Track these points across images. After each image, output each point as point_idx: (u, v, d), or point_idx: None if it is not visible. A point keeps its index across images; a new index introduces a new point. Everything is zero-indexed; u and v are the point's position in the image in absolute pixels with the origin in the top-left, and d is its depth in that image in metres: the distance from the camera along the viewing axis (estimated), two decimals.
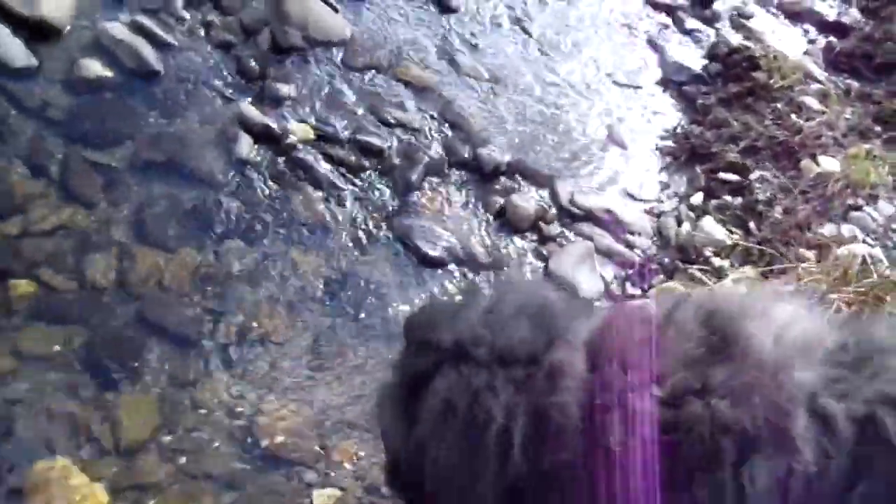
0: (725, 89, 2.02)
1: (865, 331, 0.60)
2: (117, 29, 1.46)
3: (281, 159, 1.45)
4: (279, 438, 1.05)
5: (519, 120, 1.64)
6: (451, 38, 1.67)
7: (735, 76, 2.07)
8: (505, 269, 1.41)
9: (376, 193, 1.47)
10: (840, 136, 1.92)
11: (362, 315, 1.26)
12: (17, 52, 1.32)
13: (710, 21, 2.33)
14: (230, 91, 1.49)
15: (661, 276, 1.49)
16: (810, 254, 1.52)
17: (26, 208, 1.17)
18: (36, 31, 1.35)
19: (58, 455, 0.95)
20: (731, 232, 1.52)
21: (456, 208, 1.50)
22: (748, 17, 2.39)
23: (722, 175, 1.65)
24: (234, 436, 1.04)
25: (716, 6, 2.36)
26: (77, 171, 1.24)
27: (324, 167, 1.45)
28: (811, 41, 2.41)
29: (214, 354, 1.12)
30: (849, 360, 0.54)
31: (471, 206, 1.54)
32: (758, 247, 1.50)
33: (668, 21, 2.28)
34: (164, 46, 1.50)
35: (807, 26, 2.48)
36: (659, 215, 1.58)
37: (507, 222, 1.52)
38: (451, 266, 1.42)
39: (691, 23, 2.29)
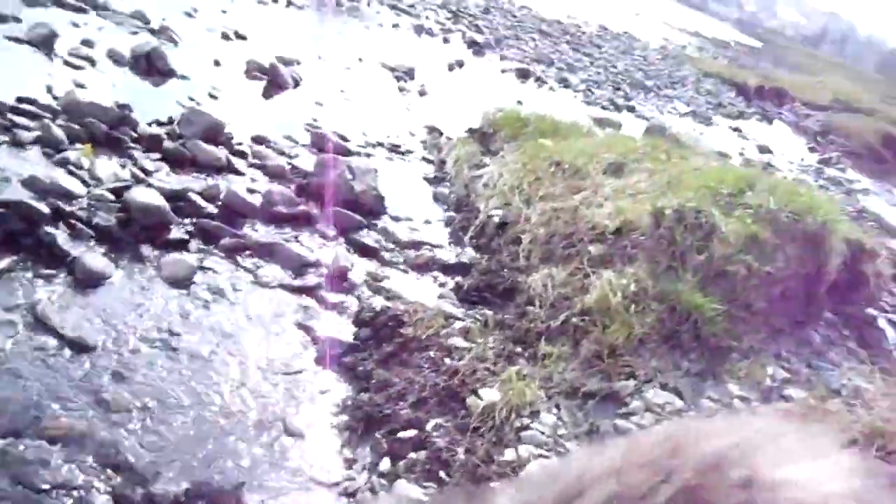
0: (380, 351, 3.50)
1: None
2: None
3: None
4: None
5: (188, 440, 2.61)
6: (94, 377, 2.60)
7: (385, 336, 3.60)
8: None
9: None
10: (492, 366, 3.55)
11: None
12: None
13: (350, 290, 3.95)
14: None
15: None
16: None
17: None
18: None
19: None
20: (425, 487, 2.75)
21: None
22: (382, 279, 4.14)
23: (401, 434, 2.93)
24: None
25: (351, 275, 4.04)
26: None
27: None
28: (442, 285, 4.30)
29: None
30: None
31: None
32: None
33: (311, 301, 3.79)
34: None
35: (435, 273, 4.40)
36: (354, 494, 2.69)
37: None
38: None
39: (333, 297, 3.85)
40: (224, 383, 2.94)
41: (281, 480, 2.71)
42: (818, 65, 58.46)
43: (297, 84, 6.69)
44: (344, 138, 5.71)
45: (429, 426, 3.02)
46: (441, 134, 6.60)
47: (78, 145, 4.30)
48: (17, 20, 5.70)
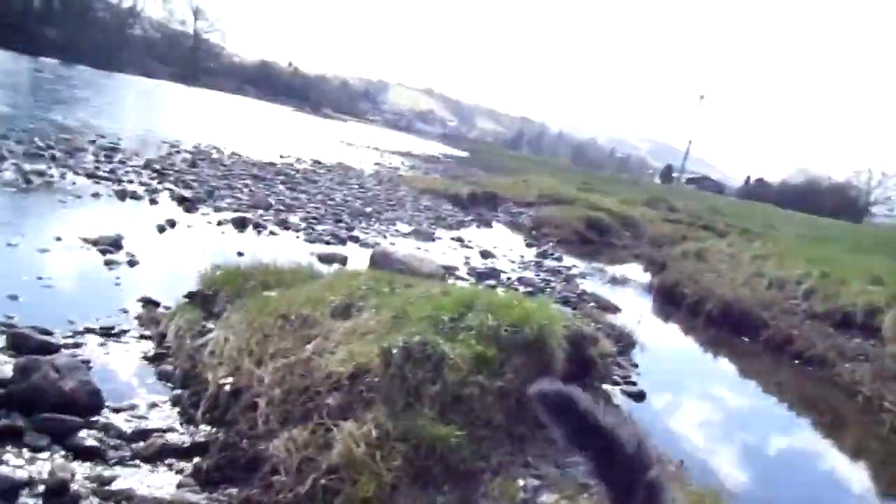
0: None
1: None
2: None
3: None
4: None
5: None
6: None
7: None
8: None
9: None
10: None
11: None
12: None
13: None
14: None
15: None
16: None
17: None
18: None
19: None
20: None
21: None
22: (110, 481, 3.78)
23: None
24: None
25: (73, 486, 3.64)
26: None
27: None
28: (179, 472, 4.01)
29: None
30: None
31: None
32: None
33: None
34: None
35: (170, 460, 4.11)
36: None
37: None
38: None
39: None
40: None
41: None
42: (521, 164, 64.72)
43: None
44: (47, 332, 5.25)
45: None
46: (157, 305, 6.32)
47: None
48: None
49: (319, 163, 24.80)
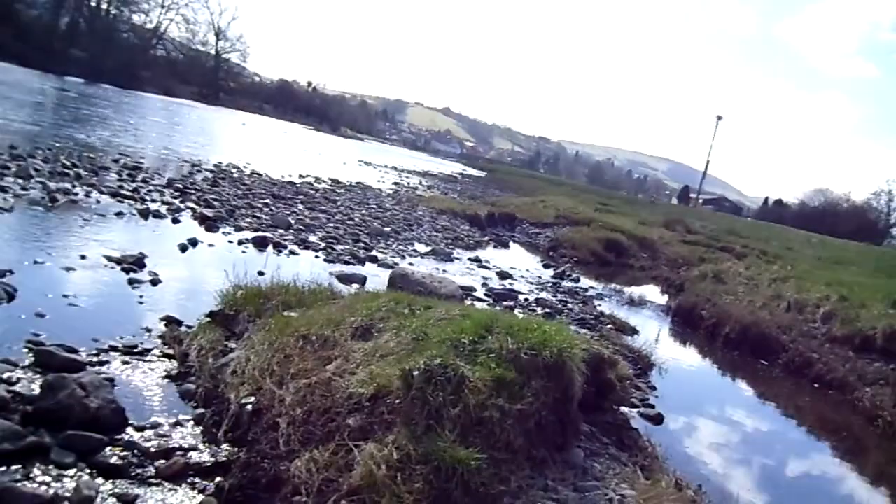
0: None
1: None
2: None
3: None
4: None
5: None
6: None
7: None
8: None
9: None
10: None
11: None
12: None
13: None
14: None
15: None
16: None
17: None
18: None
19: None
20: None
21: None
22: (133, 500, 3.83)
23: None
24: None
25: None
26: None
27: None
28: (201, 491, 4.04)
29: None
30: None
31: None
32: None
33: None
34: None
35: (192, 479, 4.14)
36: None
37: None
38: None
39: None
40: None
41: None
42: (538, 184, 64.83)
43: (11, 298, 6.18)
44: (72, 350, 5.32)
45: None
46: (180, 324, 6.37)
47: None
48: None
49: (338, 182, 24.96)
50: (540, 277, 15.03)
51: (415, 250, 14.34)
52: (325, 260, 11.08)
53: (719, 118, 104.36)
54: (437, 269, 12.59)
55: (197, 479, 4.15)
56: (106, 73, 62.40)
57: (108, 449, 4.27)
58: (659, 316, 14.11)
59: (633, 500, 4.27)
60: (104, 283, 7.35)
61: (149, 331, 6.19)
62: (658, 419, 7.16)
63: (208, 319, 6.22)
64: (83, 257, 7.93)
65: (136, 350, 5.70)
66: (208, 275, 8.30)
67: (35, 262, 7.41)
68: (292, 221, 13.66)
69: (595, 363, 5.38)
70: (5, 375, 4.78)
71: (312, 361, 4.86)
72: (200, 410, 4.87)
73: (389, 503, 3.39)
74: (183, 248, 9.67)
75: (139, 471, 4.15)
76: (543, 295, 12.68)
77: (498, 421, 4.00)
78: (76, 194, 11.45)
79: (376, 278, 10.18)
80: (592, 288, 15.25)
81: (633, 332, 11.17)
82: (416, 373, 4.05)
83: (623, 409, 6.46)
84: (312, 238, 12.60)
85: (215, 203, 13.67)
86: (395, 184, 33.88)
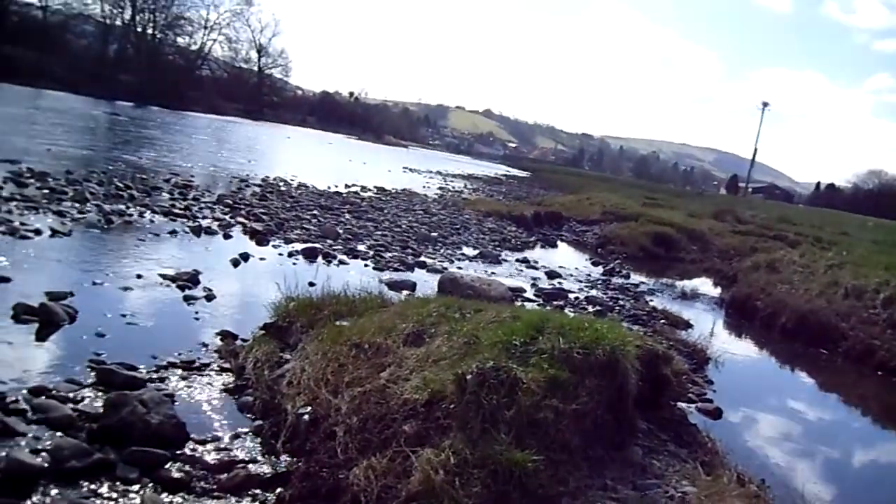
0: None
1: None
2: None
3: None
4: None
5: None
6: None
7: None
8: None
9: None
10: None
11: None
12: None
13: None
14: None
15: None
16: None
17: None
18: None
19: None
20: None
21: None
22: None
23: None
24: None
25: None
26: None
27: None
28: (262, 502, 4.10)
29: None
30: None
31: None
32: None
33: None
34: None
35: (254, 491, 4.19)
36: None
37: None
38: None
39: None
40: None
41: None
42: (583, 182, 64.36)
43: (73, 319, 6.35)
44: (133, 367, 5.44)
45: None
46: (235, 338, 6.47)
47: None
48: None
49: (384, 190, 25.10)
50: (589, 275, 14.91)
51: (463, 254, 14.34)
52: (374, 268, 11.15)
53: (765, 104, 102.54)
54: (486, 271, 12.57)
55: (258, 491, 4.20)
56: (154, 95, 63.84)
57: (170, 464, 4.34)
58: (712, 309, 13.89)
59: (694, 496, 4.20)
60: (161, 301, 7.50)
61: (205, 346, 6.30)
62: (716, 414, 7.03)
63: (262, 332, 6.30)
64: (139, 276, 8.10)
65: (193, 365, 5.80)
66: (261, 288, 8.41)
67: (94, 284, 7.59)
68: (340, 231, 13.78)
69: (649, 359, 5.31)
70: (70, 395, 4.91)
71: (366, 369, 4.88)
72: (259, 422, 4.93)
73: None
74: (235, 263, 9.82)
75: (202, 484, 4.22)
76: (594, 293, 12.58)
77: (553, 422, 3.97)
78: (130, 215, 11.72)
79: (426, 284, 10.21)
80: (643, 283, 15.07)
81: (687, 326, 11.00)
82: (469, 377, 4.04)
83: (680, 404, 6.38)
84: (361, 247, 12.70)
85: (264, 217, 13.86)
86: (440, 189, 33.96)
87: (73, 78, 58.04)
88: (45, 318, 6.23)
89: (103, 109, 46.24)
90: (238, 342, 6.39)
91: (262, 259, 10.40)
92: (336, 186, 23.03)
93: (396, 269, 11.26)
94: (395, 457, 3.87)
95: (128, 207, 12.26)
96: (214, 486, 4.19)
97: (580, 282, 13.76)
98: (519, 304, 9.42)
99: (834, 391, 9.65)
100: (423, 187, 32.04)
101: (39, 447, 4.22)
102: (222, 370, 5.81)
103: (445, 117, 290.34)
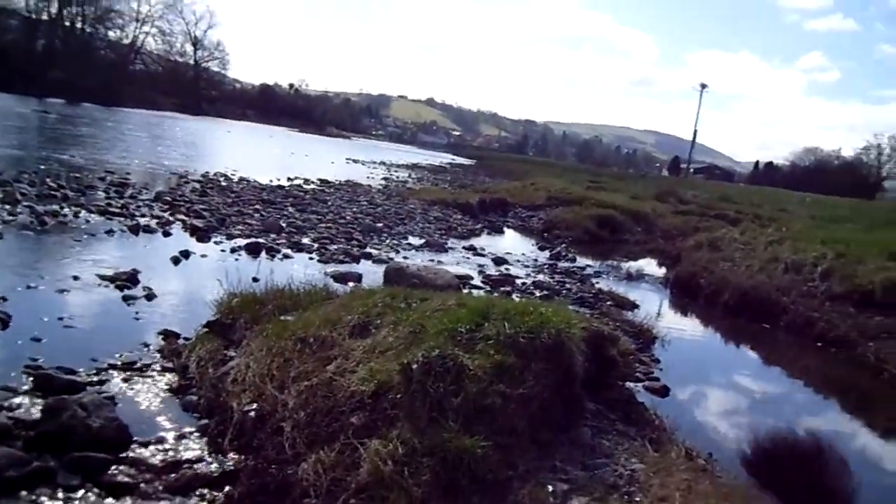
0: None
1: None
2: None
3: None
4: None
5: None
6: None
7: None
8: None
9: None
10: None
11: None
12: None
13: None
14: None
15: None
16: None
17: None
18: None
19: None
20: None
21: None
22: None
23: None
24: None
25: None
26: None
27: None
28: (211, 501, 4.04)
29: None
30: None
31: None
32: None
33: None
34: None
35: (201, 490, 4.13)
36: None
37: None
38: None
39: None
40: None
41: None
42: (528, 167, 64.85)
43: (5, 325, 6.16)
44: (71, 371, 5.31)
45: None
46: (178, 337, 6.36)
47: None
48: None
49: (327, 182, 24.91)
50: (536, 260, 15.04)
51: (409, 244, 14.32)
52: (319, 261, 11.07)
53: (703, 86, 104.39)
54: (433, 260, 12.58)
55: (206, 490, 4.14)
56: (86, 91, 62.29)
57: (114, 467, 4.25)
58: (658, 288, 14.13)
59: (642, 473, 4.27)
60: (99, 303, 7.34)
61: (147, 346, 6.18)
62: (664, 391, 7.17)
63: (206, 330, 6.21)
64: (76, 278, 7.91)
65: (135, 366, 5.68)
66: (203, 285, 8.28)
67: (28, 287, 7.38)
68: (284, 225, 13.64)
69: (596, 341, 5.38)
70: (6, 402, 4.77)
71: (312, 363, 4.85)
72: (204, 421, 4.86)
73: (398, 498, 3.39)
74: (175, 261, 9.65)
75: (147, 486, 4.14)
76: (540, 277, 12.68)
77: (500, 407, 4.00)
78: (65, 216, 11.42)
79: (372, 275, 10.17)
80: (589, 266, 15.26)
81: (633, 306, 11.18)
82: (414, 366, 4.04)
83: (628, 384, 6.47)
84: (305, 240, 12.59)
85: (205, 213, 13.64)
86: (385, 179, 33.85)
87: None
88: None
89: (32, 107, 44.90)
90: (181, 341, 6.29)
91: (203, 256, 10.23)
92: (278, 180, 22.77)
93: (342, 262, 11.19)
94: (343, 449, 3.85)
95: (62, 208, 11.93)
96: (161, 488, 4.13)
97: (527, 267, 13.86)
98: (466, 291, 9.45)
99: (776, 364, 9.91)
100: (367, 178, 31.89)
101: None
102: (165, 370, 5.71)
103: (388, 107, 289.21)
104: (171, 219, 12.63)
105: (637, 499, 3.88)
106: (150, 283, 8.07)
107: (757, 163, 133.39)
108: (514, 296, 10.12)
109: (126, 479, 4.16)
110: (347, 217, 16.40)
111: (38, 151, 21.07)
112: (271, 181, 21.93)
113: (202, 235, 11.61)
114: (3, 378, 5.09)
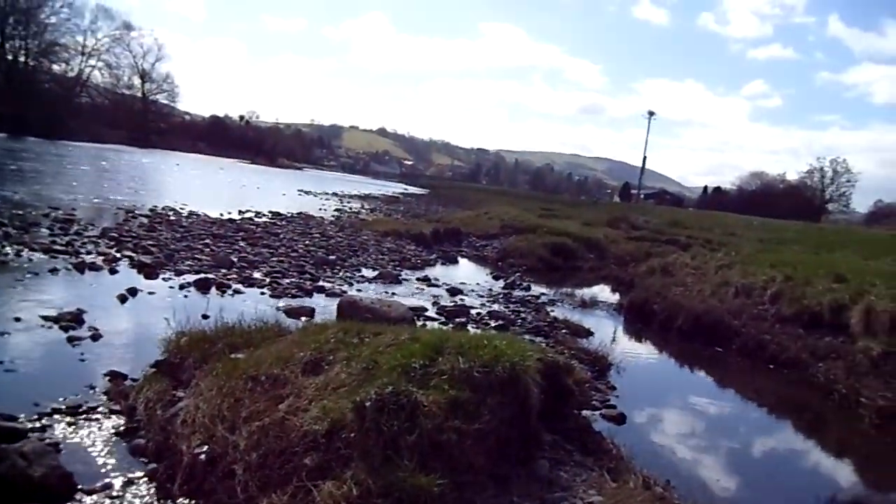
0: None
1: None
2: None
3: None
4: None
5: None
6: None
7: None
8: None
9: None
10: None
11: None
12: None
13: None
14: None
15: None
16: None
17: None
18: None
19: None
20: None
21: None
22: None
23: None
24: None
25: None
26: None
27: None
28: None
29: None
30: None
31: None
32: None
33: None
34: None
35: None
36: None
37: None
38: None
39: None
40: None
41: None
42: (481, 196, 65.23)
43: None
44: (12, 417, 5.13)
45: None
46: (125, 378, 6.21)
47: None
48: None
49: (279, 215, 24.73)
50: (491, 290, 15.06)
51: (362, 276, 14.25)
52: (270, 296, 10.94)
53: (651, 114, 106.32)
54: (386, 292, 12.53)
55: None
56: (29, 125, 61.01)
57: None
58: (612, 315, 14.25)
59: None
60: (42, 344, 7.13)
61: (93, 388, 6.02)
62: (620, 419, 7.20)
63: (154, 370, 6.08)
64: (18, 319, 7.69)
65: (80, 410, 5.52)
66: (151, 324, 8.12)
67: None
68: (234, 260, 13.48)
69: (551, 371, 5.39)
70: None
71: (264, 402, 4.77)
72: (153, 465, 4.73)
73: None
74: (122, 299, 9.44)
75: None
76: (495, 307, 12.70)
77: (456, 443, 3.97)
78: (6, 254, 11.13)
79: (325, 308, 10.08)
80: (544, 294, 15.33)
81: (588, 334, 11.24)
82: (368, 404, 4.00)
83: (584, 412, 6.49)
84: (256, 274, 12.44)
85: (153, 249, 13.41)
86: (337, 210, 33.73)
87: None
88: None
89: None
90: (128, 382, 6.14)
91: (151, 293, 10.03)
92: (229, 213, 22.54)
93: (294, 296, 11.08)
94: (296, 492, 3.78)
95: (3, 246, 11.63)
96: None
97: (482, 297, 13.87)
98: (420, 323, 9.42)
99: (730, 386, 10.04)
100: (320, 210, 31.74)
101: None
102: (112, 413, 5.56)
103: (339, 137, 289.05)
104: (117, 255, 12.38)
105: None
106: (96, 322, 7.88)
107: (706, 188, 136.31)
108: (469, 327, 10.12)
109: None
110: (300, 250, 16.27)
111: None
112: (222, 214, 21.69)
113: (150, 272, 11.40)
114: None
